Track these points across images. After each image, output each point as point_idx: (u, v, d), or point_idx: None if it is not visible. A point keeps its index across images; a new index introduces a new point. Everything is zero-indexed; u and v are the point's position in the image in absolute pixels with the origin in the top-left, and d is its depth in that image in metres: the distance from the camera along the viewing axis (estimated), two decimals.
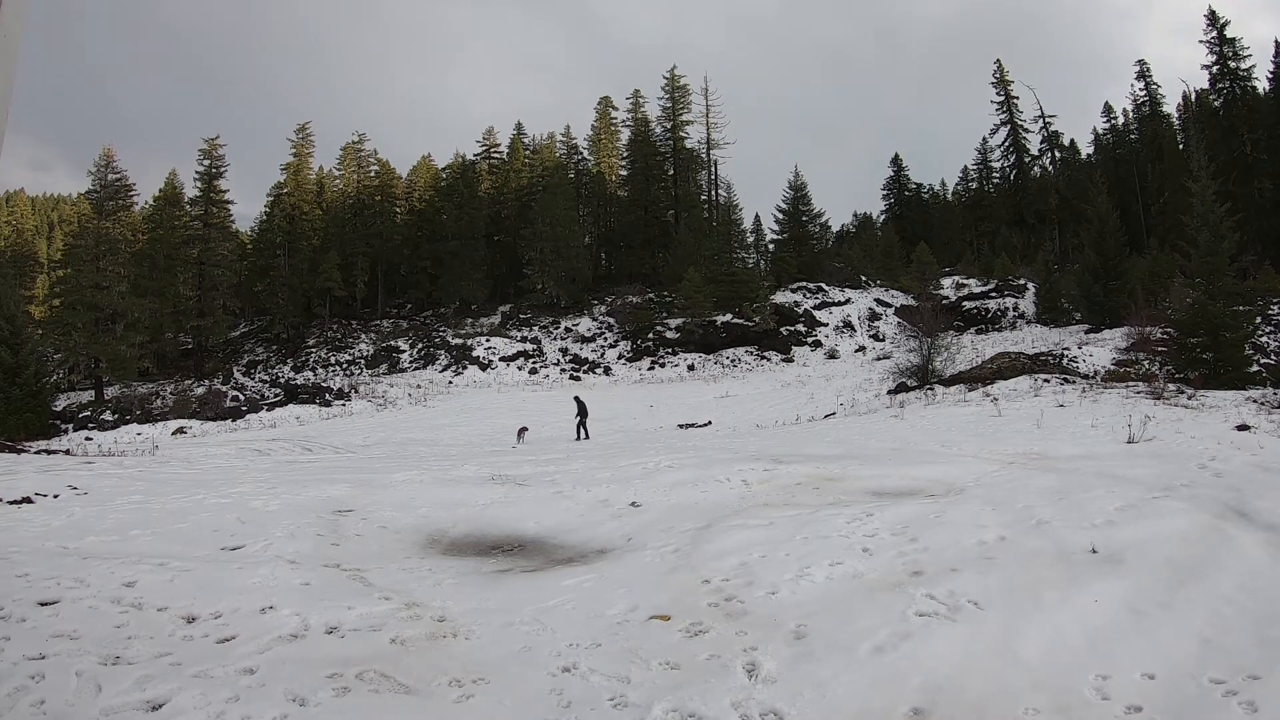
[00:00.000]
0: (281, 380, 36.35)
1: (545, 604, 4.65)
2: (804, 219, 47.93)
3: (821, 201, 64.28)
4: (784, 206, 48.38)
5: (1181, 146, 43.82)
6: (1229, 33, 39.94)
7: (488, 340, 40.49)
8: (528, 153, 55.09)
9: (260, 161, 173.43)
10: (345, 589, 4.94)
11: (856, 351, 36.86)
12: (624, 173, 53.37)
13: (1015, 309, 38.60)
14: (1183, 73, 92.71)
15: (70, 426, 26.14)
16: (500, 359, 38.81)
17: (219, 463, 11.95)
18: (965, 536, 5.31)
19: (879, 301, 41.48)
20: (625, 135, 54.40)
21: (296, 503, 7.55)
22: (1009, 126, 52.57)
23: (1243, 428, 9.68)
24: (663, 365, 37.55)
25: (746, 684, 3.49)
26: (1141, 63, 48.57)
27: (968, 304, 39.39)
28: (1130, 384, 15.19)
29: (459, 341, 40.49)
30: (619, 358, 39.22)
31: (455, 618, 4.44)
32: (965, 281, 42.38)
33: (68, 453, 14.62)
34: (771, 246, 50.38)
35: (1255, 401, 12.15)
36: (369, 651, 3.90)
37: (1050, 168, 52.01)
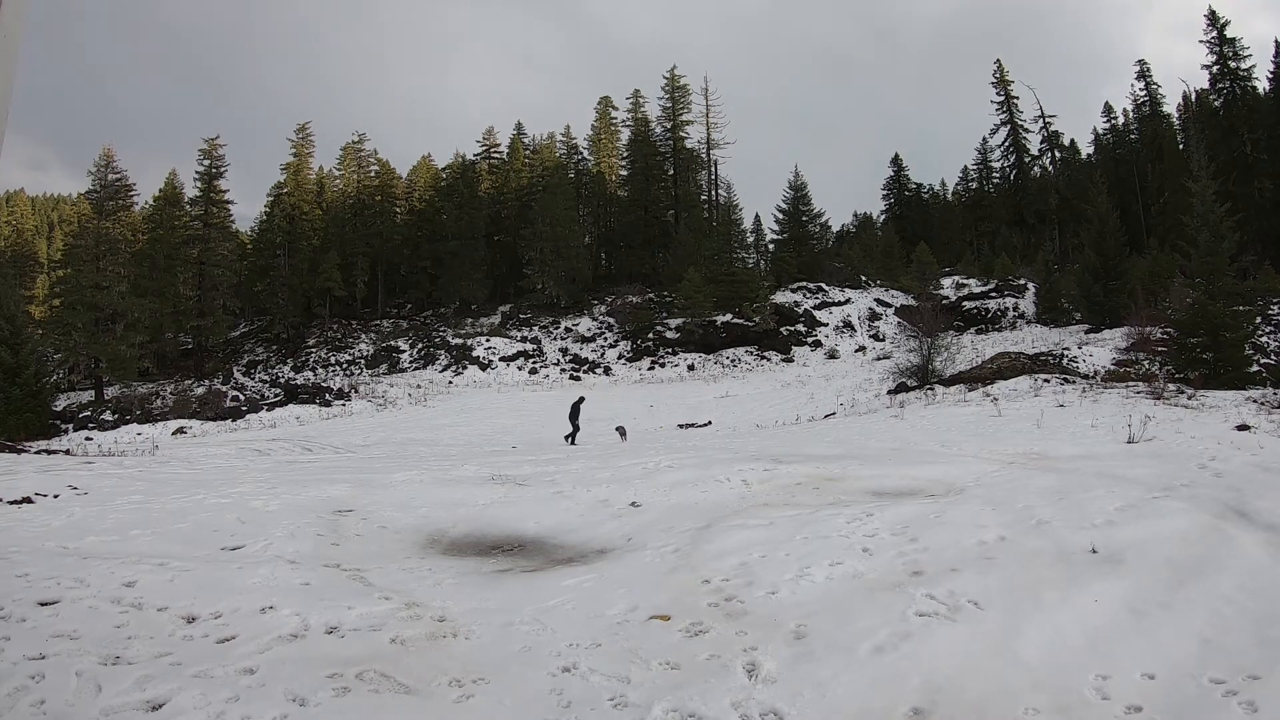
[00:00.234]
0: (281, 380, 36.35)
1: (545, 604, 4.65)
2: (804, 219, 47.93)
3: (821, 201, 64.32)
4: (784, 206, 48.40)
5: (1181, 146, 43.81)
6: (1229, 33, 39.98)
7: (488, 340, 40.50)
8: (528, 153, 55.08)
9: (260, 161, 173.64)
10: (345, 589, 4.94)
11: (856, 351, 36.86)
12: (624, 173, 53.36)
13: (1015, 309, 38.60)
14: (1182, 71, 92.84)
15: (70, 426, 26.14)
16: (500, 359, 38.81)
17: (219, 463, 11.95)
18: (965, 536, 5.31)
19: (879, 301, 41.48)
20: (625, 135, 54.40)
21: (296, 503, 7.55)
22: (1009, 126, 52.57)
23: (1243, 428, 9.68)
24: (663, 365, 37.55)
25: (746, 684, 3.49)
26: (1141, 63, 48.61)
27: (968, 304, 39.39)
28: (1130, 384, 15.19)
29: (459, 341, 40.49)
30: (619, 358, 39.22)
31: (455, 618, 4.44)
32: (965, 281, 42.38)
33: (68, 453, 14.62)
34: (771, 246, 50.40)
35: (1255, 401, 12.16)
36: (369, 651, 3.90)
37: (1050, 168, 52.01)
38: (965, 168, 56.97)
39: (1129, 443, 9.20)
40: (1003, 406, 13.98)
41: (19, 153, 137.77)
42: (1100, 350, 24.89)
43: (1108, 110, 51.93)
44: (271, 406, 29.07)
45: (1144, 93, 48.35)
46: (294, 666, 3.63)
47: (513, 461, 10.65)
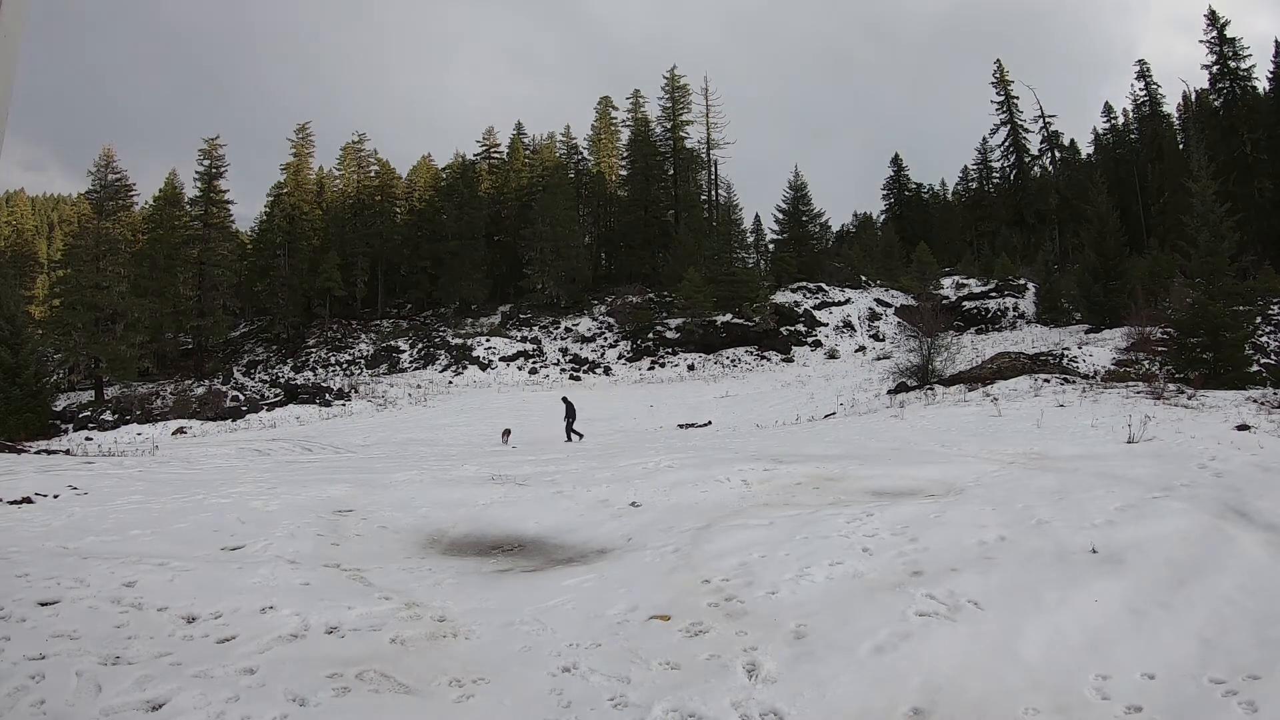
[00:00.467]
0: (281, 380, 36.34)
1: (545, 604, 4.64)
2: (804, 219, 47.93)
3: (821, 201, 64.17)
4: (784, 206, 48.40)
5: (1181, 146, 43.80)
6: (1229, 32, 39.98)
7: (488, 340, 40.50)
8: (528, 153, 55.08)
9: (260, 161, 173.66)
10: (345, 589, 4.94)
11: (856, 351, 36.86)
12: (624, 173, 53.36)
13: (1015, 309, 38.61)
14: (1182, 70, 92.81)
15: (70, 426, 26.13)
16: (500, 359, 38.81)
17: (219, 463, 11.95)
18: (965, 536, 5.31)
19: (879, 301, 41.48)
20: (625, 135, 54.40)
21: (296, 503, 7.55)
22: (1009, 126, 52.58)
23: (1243, 428, 9.68)
24: (663, 365, 37.55)
25: (746, 684, 3.49)
26: (1141, 62, 48.63)
27: (968, 304, 39.39)
28: (1130, 384, 15.19)
29: (459, 341, 40.49)
30: (619, 358, 39.22)
31: (455, 618, 4.44)
32: (965, 281, 42.38)
33: (68, 453, 14.62)
34: (771, 246, 50.39)
35: (1255, 401, 12.15)
36: (369, 651, 3.90)
37: (1050, 168, 52.02)
38: (965, 167, 57.07)
39: (1129, 443, 9.19)
40: (1003, 406, 13.98)
41: (19, 153, 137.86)
42: (1100, 350, 24.89)
43: (1108, 110, 52.02)
44: (271, 406, 29.07)
45: (1144, 93, 48.40)
46: (294, 666, 3.63)
47: (513, 461, 10.65)
